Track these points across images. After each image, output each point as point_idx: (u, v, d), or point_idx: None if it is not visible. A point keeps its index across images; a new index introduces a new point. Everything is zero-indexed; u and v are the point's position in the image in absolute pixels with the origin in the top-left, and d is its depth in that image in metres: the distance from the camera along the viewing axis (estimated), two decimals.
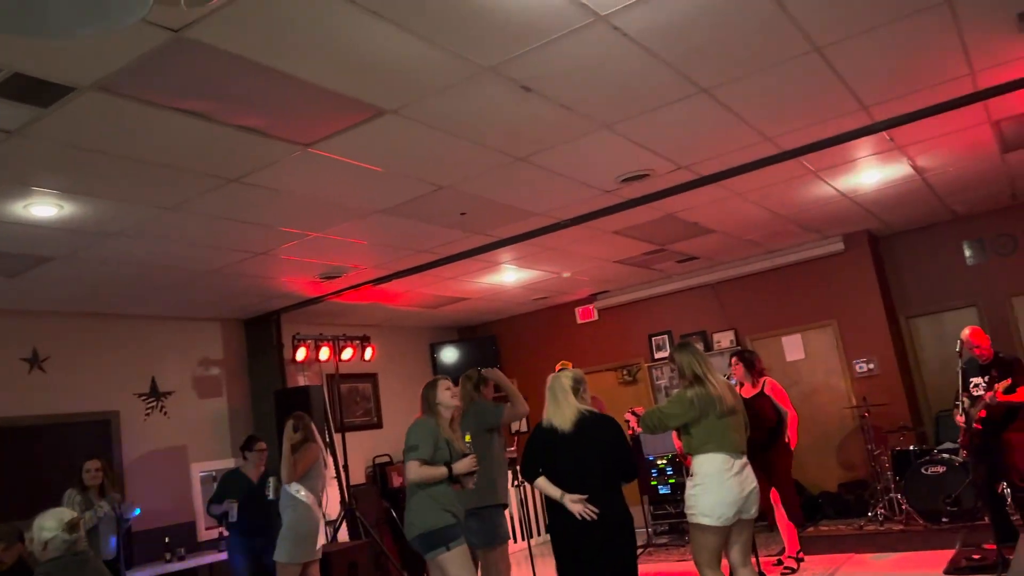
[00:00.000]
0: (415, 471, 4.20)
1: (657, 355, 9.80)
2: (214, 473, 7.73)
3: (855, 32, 3.89)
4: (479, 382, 5.33)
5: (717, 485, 4.08)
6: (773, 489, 6.22)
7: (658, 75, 4.06)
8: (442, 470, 4.21)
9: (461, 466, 4.26)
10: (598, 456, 4.01)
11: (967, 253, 8.50)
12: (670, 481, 8.51)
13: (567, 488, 3.96)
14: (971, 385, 6.03)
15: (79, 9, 1.71)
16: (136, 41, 3.04)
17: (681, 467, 8.25)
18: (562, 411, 4.07)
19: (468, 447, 4.44)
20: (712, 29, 3.66)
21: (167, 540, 6.96)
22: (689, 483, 4.24)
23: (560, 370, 4.35)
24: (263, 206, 5.16)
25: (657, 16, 3.46)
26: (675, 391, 4.44)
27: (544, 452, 4.09)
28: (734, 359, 6.53)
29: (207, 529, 7.46)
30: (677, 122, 4.76)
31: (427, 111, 4.09)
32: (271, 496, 5.84)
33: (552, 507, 4.08)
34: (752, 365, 6.42)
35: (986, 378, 5.85)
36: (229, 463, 7.64)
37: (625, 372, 10.02)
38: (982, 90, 4.81)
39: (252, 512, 6.04)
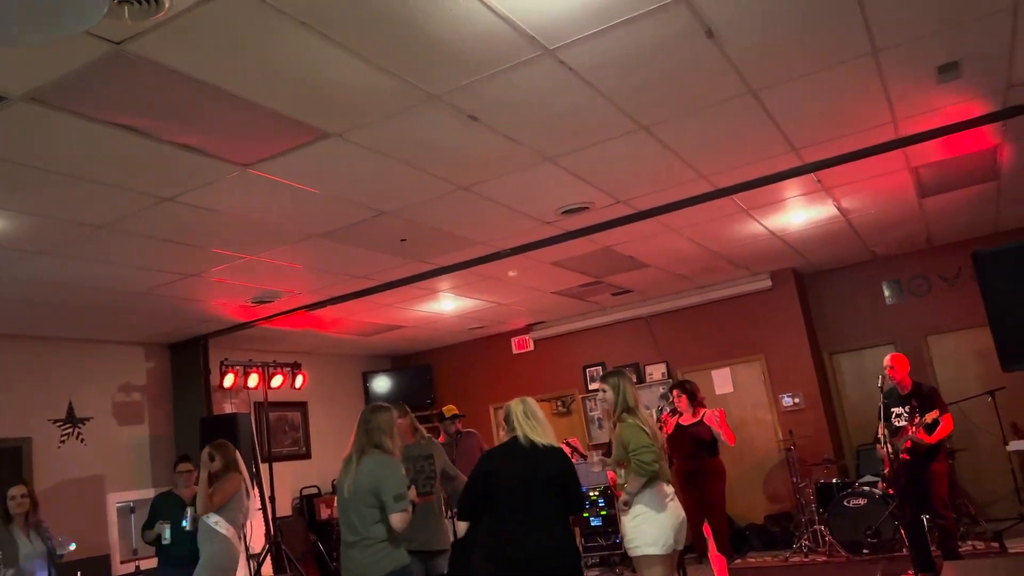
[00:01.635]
0: (403, 521, 3.78)
1: (591, 386, 9.88)
2: (132, 504, 7.39)
3: (788, 77, 4.06)
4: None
5: (658, 513, 4.09)
6: (706, 523, 6.31)
7: (601, 110, 4.15)
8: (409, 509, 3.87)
9: (412, 495, 3.97)
10: (550, 487, 3.82)
11: (886, 293, 8.89)
12: (602, 513, 8.52)
13: (514, 521, 3.75)
14: (892, 415, 6.27)
15: (31, 16, 1.65)
16: (74, 52, 2.95)
17: (613, 499, 8.29)
18: (544, 431, 3.92)
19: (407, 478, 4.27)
20: (654, 68, 3.77)
21: (79, 574, 6.59)
22: (627, 516, 4.17)
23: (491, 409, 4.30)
24: (196, 227, 5.03)
25: (603, 53, 3.55)
26: (626, 424, 4.23)
27: (488, 483, 3.89)
28: (676, 391, 6.64)
29: (123, 563, 7.12)
30: (617, 157, 4.86)
31: (372, 136, 4.07)
32: (187, 527, 5.61)
33: (498, 540, 3.84)
34: (694, 396, 6.55)
35: (907, 408, 6.08)
36: (149, 493, 7.32)
37: (559, 403, 10.07)
38: (903, 137, 5.07)
39: (181, 539, 5.77)
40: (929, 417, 5.87)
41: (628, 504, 4.18)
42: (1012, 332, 4.44)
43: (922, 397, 6.09)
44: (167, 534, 5.70)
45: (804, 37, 3.66)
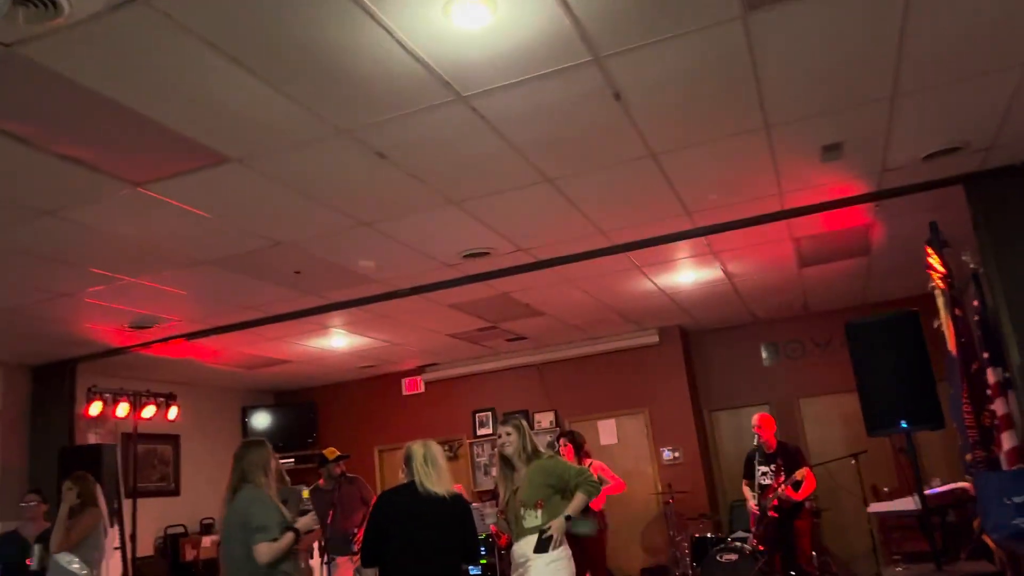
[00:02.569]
0: (268, 552, 3.72)
1: (480, 431, 9.83)
2: None
3: (687, 144, 4.26)
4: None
5: (569, 562, 4.05)
6: (588, 573, 6.32)
7: (509, 160, 4.22)
8: (289, 537, 3.81)
9: (304, 522, 3.92)
10: (442, 534, 3.84)
11: (764, 355, 9.32)
12: (481, 562, 8.41)
13: (406, 561, 3.75)
14: (759, 473, 6.53)
15: None
16: None
17: (495, 547, 8.21)
18: (444, 479, 3.90)
19: (306, 502, 4.16)
20: (563, 124, 3.87)
21: None
22: (542, 560, 3.98)
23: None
24: (76, 244, 4.74)
25: (515, 104, 3.62)
26: (550, 458, 4.30)
27: (384, 526, 3.86)
28: (563, 440, 6.68)
29: None
30: (521, 206, 4.93)
31: (275, 165, 3.98)
32: (34, 567, 5.18)
33: None
34: (580, 447, 6.61)
35: (772, 467, 6.35)
36: None
37: (447, 447, 9.94)
38: (787, 209, 5.39)
39: None
40: (798, 475, 6.15)
41: (555, 538, 3.99)
42: (877, 400, 4.76)
43: (787, 456, 6.39)
44: (35, 563, 5.20)
45: (705, 107, 3.86)
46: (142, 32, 2.79)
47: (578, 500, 4.12)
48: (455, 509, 3.90)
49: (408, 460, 3.97)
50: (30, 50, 2.81)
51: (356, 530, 6.19)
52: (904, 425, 4.63)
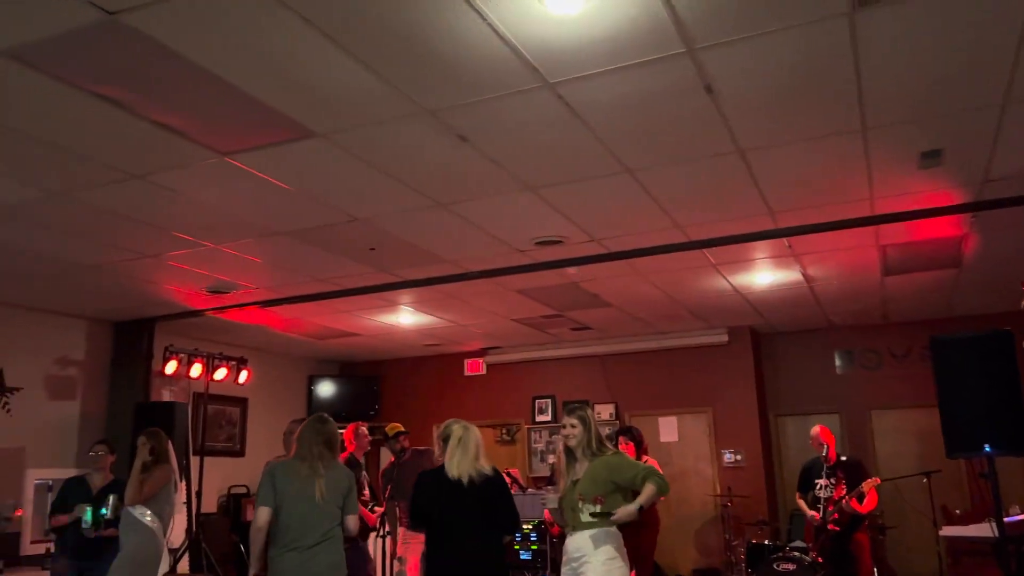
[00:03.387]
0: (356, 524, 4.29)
1: (539, 418, 9.82)
2: (50, 482, 7.09)
3: (778, 142, 4.11)
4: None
5: (625, 559, 4.01)
6: (633, 572, 6.26)
7: (589, 148, 4.15)
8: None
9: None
10: (483, 512, 4.03)
11: (837, 362, 9.03)
12: (532, 547, 8.43)
13: (445, 539, 4.00)
14: (817, 486, 6.35)
15: None
16: (65, 15, 2.84)
17: (546, 534, 8.20)
18: (468, 463, 4.07)
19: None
20: (650, 115, 3.78)
21: None
22: (598, 558, 3.92)
23: (450, 424, 4.24)
24: (163, 208, 4.87)
25: (601, 93, 3.55)
26: (615, 454, 4.24)
27: (434, 499, 4.09)
28: (622, 437, 6.59)
29: (33, 543, 6.80)
30: (598, 196, 4.86)
31: (358, 142, 4.00)
32: (108, 515, 5.36)
33: (429, 549, 4.13)
34: (640, 443, 6.54)
35: (832, 480, 6.16)
36: (70, 473, 7.00)
37: (505, 431, 9.98)
38: (878, 215, 5.17)
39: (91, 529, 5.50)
40: (865, 486, 5.96)
41: (617, 517, 3.95)
42: (960, 421, 4.54)
43: (849, 469, 6.19)
44: (87, 517, 5.41)
45: (800, 105, 3.71)
46: (241, 4, 2.81)
47: (649, 491, 4.00)
48: (483, 490, 4.05)
49: (445, 439, 4.15)
50: (133, 18, 2.87)
51: None
52: (988, 449, 4.41)
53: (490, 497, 4.08)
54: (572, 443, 4.16)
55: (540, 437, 9.78)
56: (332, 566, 4.05)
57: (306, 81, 3.37)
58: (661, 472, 4.16)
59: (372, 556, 6.42)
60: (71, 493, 5.62)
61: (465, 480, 4.03)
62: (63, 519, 5.49)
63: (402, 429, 6.67)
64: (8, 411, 6.95)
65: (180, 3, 2.79)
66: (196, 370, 7.88)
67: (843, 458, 6.33)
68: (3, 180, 4.35)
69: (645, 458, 6.51)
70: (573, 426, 4.15)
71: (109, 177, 4.35)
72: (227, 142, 3.96)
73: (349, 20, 2.93)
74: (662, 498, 5.09)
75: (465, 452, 4.10)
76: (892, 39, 3.16)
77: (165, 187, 4.52)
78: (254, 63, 3.21)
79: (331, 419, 4.37)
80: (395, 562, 6.33)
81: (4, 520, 5.27)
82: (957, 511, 7.47)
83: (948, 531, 5.94)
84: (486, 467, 4.13)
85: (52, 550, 5.95)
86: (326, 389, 10.40)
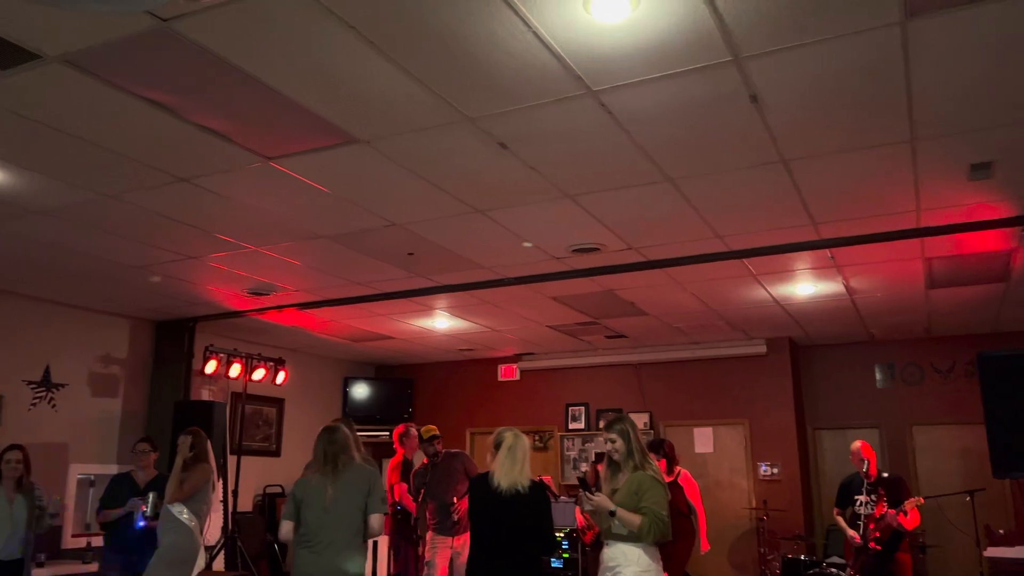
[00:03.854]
0: (381, 525, 4.28)
1: (572, 425, 9.78)
2: (92, 477, 7.24)
3: (823, 152, 4.05)
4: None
5: (659, 572, 3.95)
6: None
7: (630, 156, 4.13)
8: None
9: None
10: (521, 526, 4.04)
11: (878, 376, 8.86)
12: (564, 555, 8.40)
13: (487, 551, 4.05)
14: (857, 503, 6.22)
15: None
16: (118, 22, 2.90)
17: (579, 542, 8.16)
18: (516, 472, 4.09)
19: None
20: (692, 124, 3.75)
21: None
22: (632, 570, 3.82)
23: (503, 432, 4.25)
24: (206, 210, 4.96)
25: (643, 101, 3.53)
26: (647, 476, 3.97)
27: (480, 508, 4.19)
28: (652, 455, 6.51)
29: (73, 536, 6.94)
30: (637, 204, 4.83)
31: (398, 148, 4.03)
32: (148, 512, 5.46)
33: (471, 556, 4.17)
34: (672, 459, 6.48)
35: (872, 496, 6.03)
36: (111, 469, 7.16)
37: (537, 438, 9.95)
38: (924, 227, 5.06)
39: (131, 524, 5.60)
40: (908, 504, 5.83)
41: (596, 503, 3.91)
42: (1008, 440, 4.42)
43: (890, 486, 6.05)
44: (150, 510, 5.50)
45: (846, 115, 3.65)
46: (288, 12, 2.85)
47: (635, 520, 3.82)
48: (526, 504, 4.05)
49: (497, 446, 4.20)
50: (183, 25, 2.92)
51: (456, 500, 6.26)
52: None
53: (530, 514, 4.08)
54: (616, 457, 4.10)
55: (573, 445, 9.74)
56: (335, 571, 4.03)
57: (350, 88, 3.40)
58: (667, 520, 3.87)
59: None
60: (120, 488, 5.73)
61: (509, 491, 4.06)
62: (114, 512, 5.58)
63: (437, 432, 6.69)
64: (54, 407, 7.13)
65: (230, 11, 2.84)
66: (235, 370, 7.99)
67: (884, 475, 6.19)
68: (54, 182, 4.46)
69: (677, 469, 6.47)
70: (613, 441, 4.07)
71: (156, 180, 4.43)
72: (271, 147, 4.02)
73: (393, 29, 2.95)
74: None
75: (513, 461, 4.12)
76: (944, 49, 3.10)
77: (210, 190, 4.59)
78: (300, 70, 3.25)
79: (340, 426, 4.40)
80: (424, 567, 6.34)
81: (52, 516, 5.39)
82: (1001, 531, 7.27)
83: (993, 552, 5.78)
84: (526, 480, 4.11)
85: (91, 544, 6.06)
86: (361, 391, 10.48)
